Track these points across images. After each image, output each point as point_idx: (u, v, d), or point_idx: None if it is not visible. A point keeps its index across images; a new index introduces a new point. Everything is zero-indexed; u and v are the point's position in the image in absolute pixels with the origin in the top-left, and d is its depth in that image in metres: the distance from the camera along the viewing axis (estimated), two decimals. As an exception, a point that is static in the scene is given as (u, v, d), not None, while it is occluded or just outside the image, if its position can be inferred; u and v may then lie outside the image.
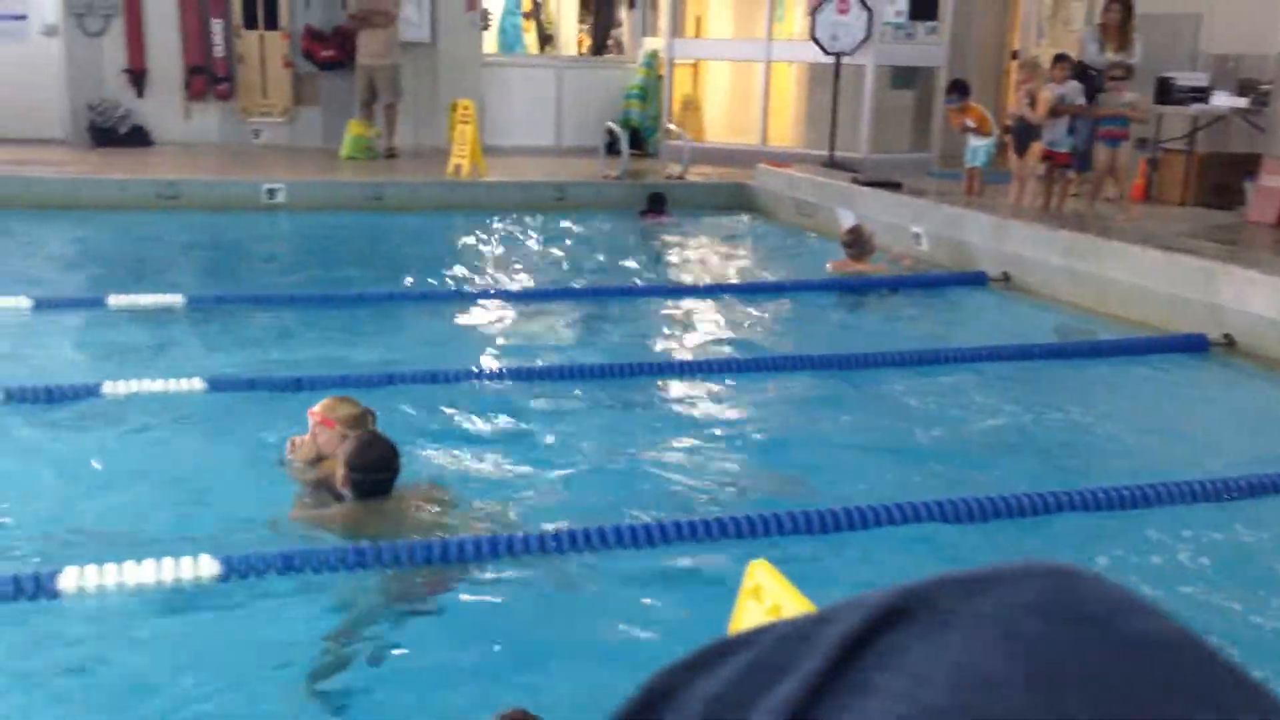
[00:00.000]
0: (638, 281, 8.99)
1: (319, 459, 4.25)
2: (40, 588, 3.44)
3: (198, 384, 5.53)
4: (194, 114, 13.70)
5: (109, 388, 5.43)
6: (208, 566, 3.59)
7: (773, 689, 0.36)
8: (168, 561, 3.58)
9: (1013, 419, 5.81)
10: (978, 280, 8.77)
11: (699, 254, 10.42)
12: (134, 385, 5.45)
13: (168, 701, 3.07)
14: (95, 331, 6.76)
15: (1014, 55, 15.30)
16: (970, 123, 10.58)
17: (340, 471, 3.94)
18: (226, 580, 3.59)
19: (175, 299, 7.28)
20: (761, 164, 12.56)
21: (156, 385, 5.48)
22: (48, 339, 6.59)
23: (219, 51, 13.57)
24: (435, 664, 3.35)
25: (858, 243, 8.76)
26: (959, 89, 10.66)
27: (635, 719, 0.38)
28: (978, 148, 10.63)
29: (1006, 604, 0.37)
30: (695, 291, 8.62)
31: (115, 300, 7.15)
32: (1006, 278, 8.69)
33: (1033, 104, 9.76)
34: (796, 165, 12.30)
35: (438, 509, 4.18)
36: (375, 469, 3.94)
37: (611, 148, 12.53)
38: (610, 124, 12.79)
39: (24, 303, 7.05)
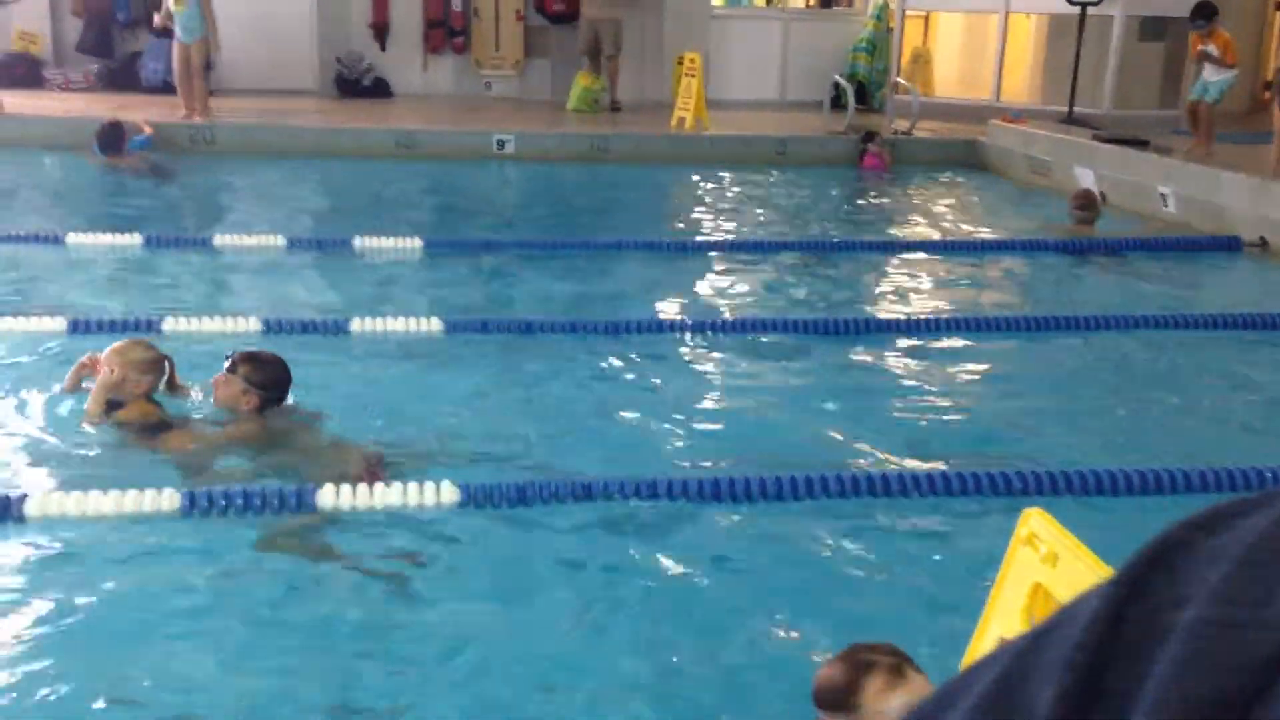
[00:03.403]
0: (859, 237, 8.83)
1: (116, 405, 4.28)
2: (301, 501, 3.71)
3: (436, 324, 5.79)
4: (431, 66, 14.23)
5: (356, 325, 5.75)
6: (448, 493, 3.78)
7: None
8: (412, 486, 3.79)
9: (1263, 389, 5.46)
10: (1231, 245, 8.21)
11: (924, 210, 10.15)
12: (379, 324, 5.76)
13: (416, 613, 3.26)
14: (342, 271, 7.17)
15: (1279, 6, 14.15)
16: (1213, 50, 9.74)
17: (246, 396, 4.16)
18: (464, 506, 3.77)
19: (413, 243, 7.62)
20: (994, 120, 12.08)
21: (398, 324, 5.77)
22: (300, 276, 7.03)
23: (456, 5, 14.03)
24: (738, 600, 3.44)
25: (1090, 207, 8.36)
26: (1205, 11, 9.84)
27: (1149, 566, 0.39)
28: (1210, 82, 9.82)
29: None
30: (918, 247, 8.41)
31: (359, 242, 7.55)
32: (1264, 243, 8.10)
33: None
34: (1031, 121, 11.77)
35: (308, 417, 4.45)
36: (283, 384, 4.25)
37: (836, 102, 12.31)
38: (837, 78, 12.56)
39: (280, 241, 7.53)
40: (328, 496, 3.73)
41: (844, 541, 3.75)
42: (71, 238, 7.37)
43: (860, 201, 10.42)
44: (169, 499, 3.68)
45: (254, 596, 3.32)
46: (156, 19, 11.28)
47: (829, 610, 3.35)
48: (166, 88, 12.10)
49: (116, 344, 4.41)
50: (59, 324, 5.58)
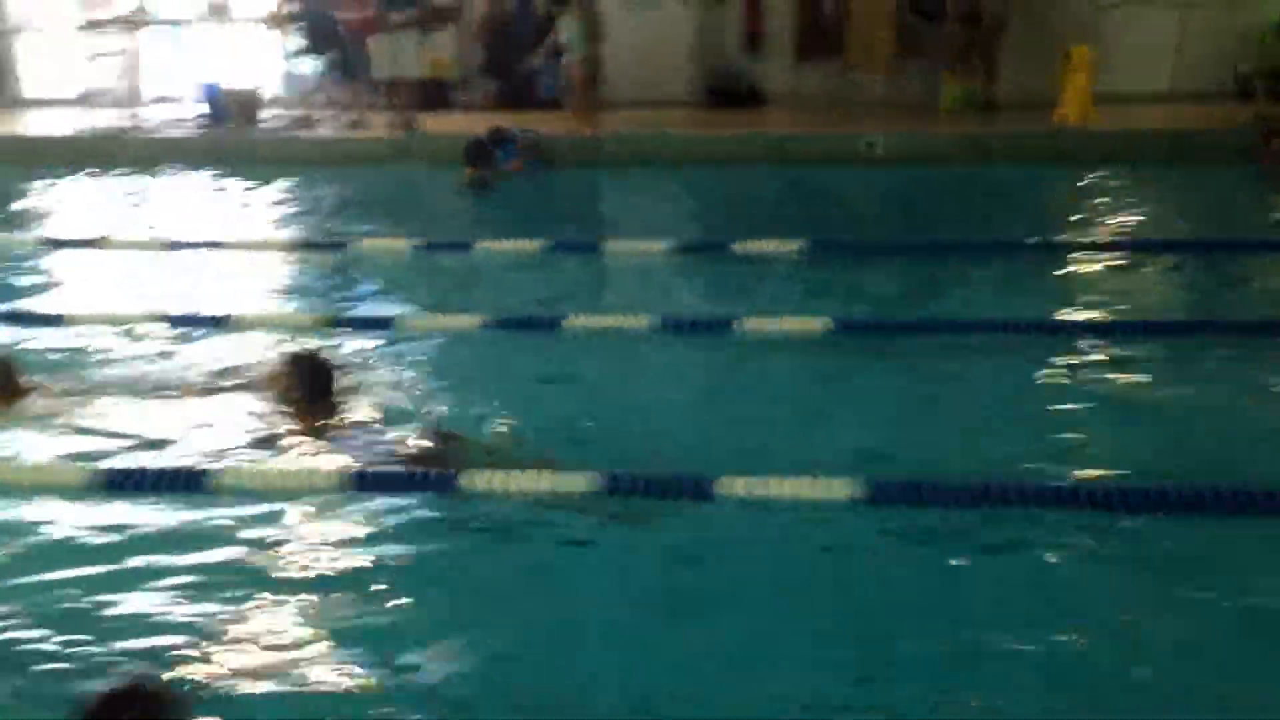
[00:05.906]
0: (1266, 236, 8.07)
1: None
2: (700, 490, 3.88)
3: (820, 324, 5.86)
4: (802, 71, 14.36)
5: (741, 326, 5.93)
6: (841, 488, 3.83)
7: None
8: (805, 480, 3.87)
9: None
10: None
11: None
12: (765, 323, 5.91)
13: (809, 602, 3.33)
14: (724, 273, 7.41)
15: None
16: None
17: (291, 392, 4.41)
18: (869, 503, 3.79)
19: (792, 246, 7.74)
20: None
21: (784, 324, 5.90)
22: (686, 278, 7.35)
23: (828, 9, 14.09)
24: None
25: None
26: None
27: None
28: None
29: None
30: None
31: (740, 246, 7.76)
32: None
33: None
34: None
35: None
36: (324, 377, 4.50)
37: (1243, 92, 11.28)
38: (1241, 66, 11.51)
39: (663, 245, 7.88)
40: (724, 487, 3.88)
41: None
42: (479, 244, 8.07)
43: (1268, 199, 9.49)
44: (584, 479, 3.95)
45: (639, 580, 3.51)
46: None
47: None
48: (558, 104, 12.99)
49: None
50: (474, 321, 6.14)
